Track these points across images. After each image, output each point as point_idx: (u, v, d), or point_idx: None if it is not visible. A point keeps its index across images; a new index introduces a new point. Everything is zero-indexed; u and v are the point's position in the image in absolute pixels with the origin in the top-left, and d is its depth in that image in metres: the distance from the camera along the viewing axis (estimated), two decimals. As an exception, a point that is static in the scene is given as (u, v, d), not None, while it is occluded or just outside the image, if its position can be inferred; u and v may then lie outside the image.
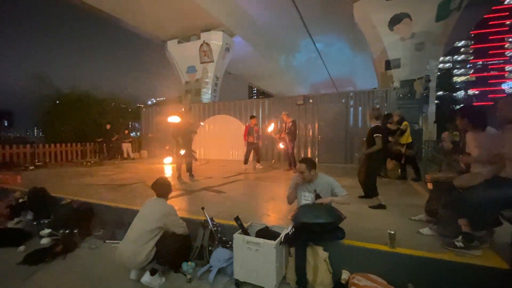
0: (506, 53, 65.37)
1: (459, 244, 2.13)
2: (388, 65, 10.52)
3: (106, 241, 3.27)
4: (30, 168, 7.71)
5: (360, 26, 11.32)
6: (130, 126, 17.71)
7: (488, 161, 2.21)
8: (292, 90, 26.51)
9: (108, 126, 10.18)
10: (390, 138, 5.34)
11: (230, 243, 2.57)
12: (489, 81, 64.70)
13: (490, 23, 62.97)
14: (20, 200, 4.08)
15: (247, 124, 7.76)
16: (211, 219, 2.79)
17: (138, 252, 2.31)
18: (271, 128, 7.56)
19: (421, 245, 2.29)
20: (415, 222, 2.83)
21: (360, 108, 7.88)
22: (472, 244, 2.11)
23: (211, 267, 2.47)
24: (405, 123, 5.45)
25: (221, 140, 10.00)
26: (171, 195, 2.92)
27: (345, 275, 2.25)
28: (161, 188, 2.68)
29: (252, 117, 7.53)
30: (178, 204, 3.77)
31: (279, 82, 25.88)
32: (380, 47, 10.73)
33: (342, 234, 2.35)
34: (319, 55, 19.93)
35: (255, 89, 79.87)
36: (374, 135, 3.48)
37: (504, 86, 62.69)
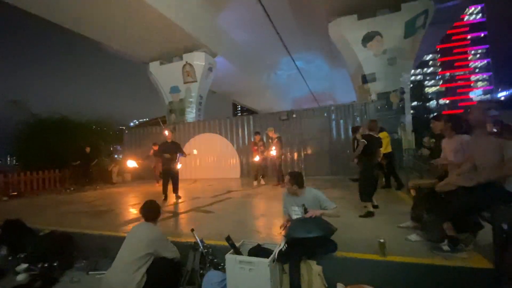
0: (469, 64, 71.00)
1: (446, 248, 2.20)
2: (365, 79, 11.10)
3: (89, 272, 3.07)
4: (4, 199, 7.23)
5: (336, 44, 11.99)
6: (112, 149, 17.21)
7: (459, 164, 2.35)
8: (276, 106, 27.09)
9: (87, 149, 9.63)
10: None
11: (222, 264, 2.50)
12: (458, 91, 69.51)
13: (453, 38, 68.64)
14: (-7, 235, 3.78)
15: (252, 141, 7.47)
16: (201, 240, 2.71)
17: (129, 280, 2.19)
18: (273, 152, 6.89)
19: (410, 251, 2.34)
20: (403, 229, 2.90)
21: (341, 121, 8.15)
22: (457, 247, 2.19)
23: (203, 291, 2.38)
24: (383, 133, 5.66)
25: (208, 159, 9.91)
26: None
27: (340, 288, 2.24)
28: (150, 212, 2.60)
29: (256, 133, 7.29)
30: (166, 226, 3.65)
31: (262, 99, 26.43)
32: (356, 63, 11.36)
33: (334, 247, 2.36)
34: (299, 72, 20.69)
35: (240, 106, 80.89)
36: (361, 140, 3.71)
37: (472, 95, 67.45)
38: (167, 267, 2.39)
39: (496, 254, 2.09)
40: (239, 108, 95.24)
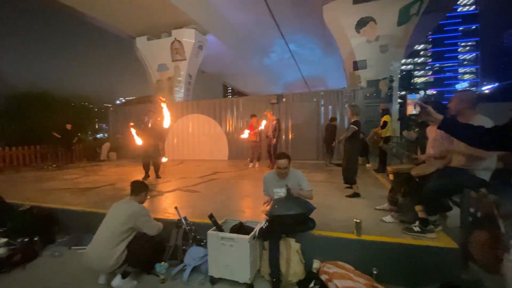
0: (459, 56, 72.02)
1: (416, 228, 2.34)
2: (356, 66, 11.07)
3: (72, 247, 3.08)
4: (-19, 174, 7.00)
5: (329, 28, 11.78)
6: (97, 126, 16.77)
7: (441, 156, 2.44)
8: (267, 89, 26.85)
9: (68, 126, 9.05)
10: (374, 130, 5.91)
11: (204, 241, 2.56)
12: (445, 82, 70.91)
13: (445, 28, 68.92)
14: (-30, 209, 3.69)
15: (250, 124, 7.32)
16: (185, 218, 2.75)
17: (108, 255, 2.21)
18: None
19: (384, 232, 2.48)
20: (379, 211, 3.04)
21: (330, 107, 8.21)
22: (427, 228, 2.33)
23: (185, 266, 2.45)
24: (387, 116, 5.78)
25: (195, 140, 9.84)
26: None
27: (316, 264, 2.36)
28: (136, 186, 2.60)
29: (252, 115, 7.20)
30: (151, 204, 3.67)
31: (253, 81, 26.05)
32: (348, 49, 11.26)
33: (313, 224, 2.47)
34: (292, 56, 20.38)
35: (230, 88, 79.46)
36: (350, 126, 3.84)
37: (458, 87, 69.04)
38: (149, 242, 2.42)
39: (462, 235, 2.24)
40: (230, 90, 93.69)
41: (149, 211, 2.62)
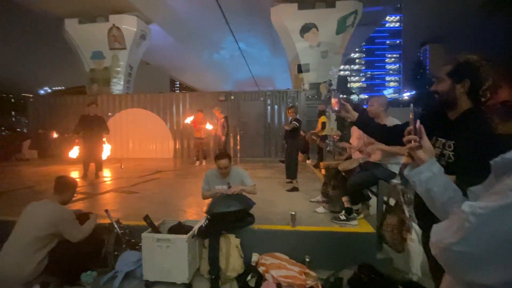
0: (386, 66, 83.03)
1: (342, 217, 2.63)
2: (300, 68, 11.73)
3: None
4: None
5: (277, 31, 12.22)
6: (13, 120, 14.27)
7: (361, 149, 2.78)
8: (217, 86, 26.43)
9: None
10: (312, 131, 6.42)
11: (140, 244, 2.41)
12: (375, 88, 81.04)
13: (376, 41, 78.56)
14: None
15: (194, 119, 7.05)
16: (117, 221, 2.55)
17: (25, 264, 1.92)
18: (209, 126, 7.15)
19: (316, 222, 2.72)
20: (314, 203, 3.32)
21: (276, 106, 8.55)
22: (351, 216, 2.63)
23: (116, 272, 2.27)
24: (323, 117, 6.30)
25: (136, 137, 9.13)
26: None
27: (255, 257, 2.44)
28: (60, 184, 2.30)
29: (198, 111, 7.05)
30: (80, 208, 3.27)
31: (203, 77, 25.40)
32: (293, 52, 11.85)
33: (252, 219, 2.56)
34: (242, 54, 20.49)
35: (178, 83, 75.99)
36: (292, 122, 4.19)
37: (385, 93, 79.58)
38: (72, 248, 2.16)
39: (378, 221, 2.60)
40: (178, 85, 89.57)
41: (74, 216, 2.34)
